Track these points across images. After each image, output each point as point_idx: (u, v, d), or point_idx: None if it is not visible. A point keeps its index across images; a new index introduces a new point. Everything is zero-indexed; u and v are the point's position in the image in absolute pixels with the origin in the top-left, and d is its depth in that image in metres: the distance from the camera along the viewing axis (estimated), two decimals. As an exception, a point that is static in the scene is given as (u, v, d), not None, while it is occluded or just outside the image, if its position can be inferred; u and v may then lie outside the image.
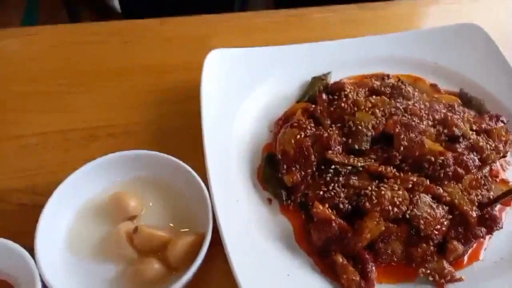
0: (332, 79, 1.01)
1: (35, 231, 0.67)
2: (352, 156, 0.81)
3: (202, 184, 0.76)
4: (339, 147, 0.82)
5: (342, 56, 1.06)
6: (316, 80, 1.00)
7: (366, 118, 0.84)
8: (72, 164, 0.77)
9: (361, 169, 0.79)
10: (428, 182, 0.77)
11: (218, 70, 0.94)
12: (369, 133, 0.83)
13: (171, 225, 0.76)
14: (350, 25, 1.26)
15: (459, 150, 0.82)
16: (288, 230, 0.78)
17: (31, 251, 0.66)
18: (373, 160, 0.81)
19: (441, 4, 1.37)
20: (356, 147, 0.82)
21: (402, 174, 0.78)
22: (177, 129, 0.94)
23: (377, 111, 0.86)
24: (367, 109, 0.87)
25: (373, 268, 0.72)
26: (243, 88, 0.95)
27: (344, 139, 0.83)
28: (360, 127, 0.83)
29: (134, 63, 1.07)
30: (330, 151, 0.80)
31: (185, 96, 0.99)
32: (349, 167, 0.79)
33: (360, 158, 0.81)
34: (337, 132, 0.84)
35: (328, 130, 0.84)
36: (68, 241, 0.73)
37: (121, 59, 1.08)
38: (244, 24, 1.22)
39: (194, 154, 0.82)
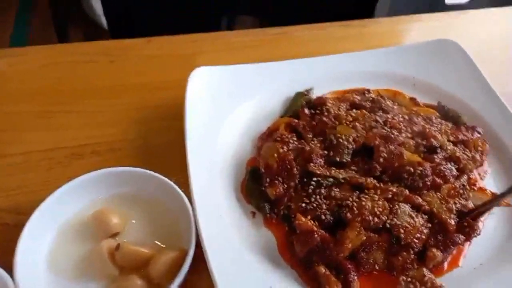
0: (315, 94, 1.04)
1: (14, 252, 0.67)
2: (334, 168, 0.83)
3: (186, 200, 0.76)
4: (321, 160, 0.83)
5: (325, 72, 1.08)
6: (299, 95, 1.02)
7: (346, 132, 0.86)
8: (55, 182, 0.78)
9: (342, 181, 0.80)
10: (407, 192, 0.79)
11: (202, 87, 0.96)
12: (350, 146, 0.85)
13: (155, 241, 0.77)
14: (334, 42, 1.29)
15: (437, 160, 0.84)
16: (271, 243, 0.79)
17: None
18: (354, 172, 0.82)
19: (421, 22, 1.42)
20: (338, 159, 0.84)
21: (382, 185, 0.80)
22: (162, 146, 0.95)
23: (357, 124, 0.88)
24: (347, 122, 0.89)
25: (355, 277, 0.72)
26: (227, 105, 0.97)
27: (325, 152, 0.85)
28: (341, 140, 0.85)
29: (121, 81, 1.09)
30: (312, 164, 0.82)
31: (171, 114, 1.00)
32: (331, 179, 0.81)
33: (342, 170, 0.82)
34: (318, 145, 0.86)
35: (310, 144, 0.85)
36: (50, 261, 0.73)
37: (108, 78, 1.10)
38: (231, 42, 1.24)
39: (179, 170, 0.83)
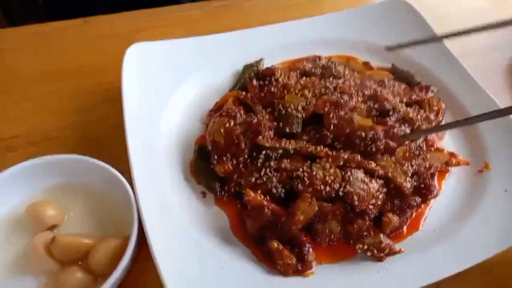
0: (265, 66, 0.99)
1: None
2: (284, 139, 0.79)
3: (126, 184, 0.71)
4: (270, 132, 0.79)
5: (274, 41, 1.04)
6: (247, 67, 0.97)
7: (295, 100, 0.82)
8: (-13, 178, 0.71)
9: (292, 152, 0.77)
10: (359, 157, 0.76)
11: (140, 65, 0.89)
12: (300, 115, 0.81)
13: (96, 231, 0.71)
14: (280, 11, 1.24)
15: (390, 123, 0.81)
16: (224, 222, 0.75)
17: None
18: (305, 142, 0.79)
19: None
20: (288, 130, 0.80)
21: (334, 153, 0.76)
22: (103, 132, 0.89)
23: (306, 92, 0.84)
24: (297, 91, 0.85)
25: (310, 250, 0.69)
26: (170, 83, 0.91)
27: (275, 123, 0.81)
28: (289, 110, 0.81)
29: (56, 67, 1.01)
30: (260, 137, 0.77)
31: (110, 97, 0.93)
32: (280, 151, 0.77)
33: (292, 141, 0.79)
34: (267, 117, 0.81)
35: (258, 116, 0.81)
36: (-17, 259, 0.67)
37: (41, 63, 1.02)
38: (173, 17, 1.18)
39: (121, 156, 0.77)
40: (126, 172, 0.74)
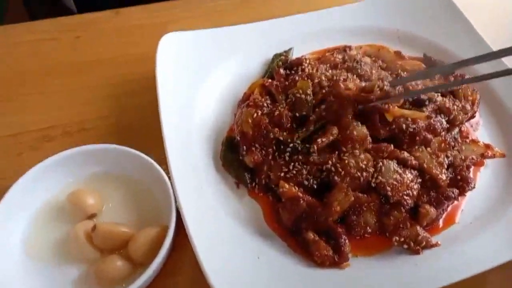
0: (295, 55, 0.98)
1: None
2: (300, 130, 0.78)
3: (164, 175, 0.72)
4: (290, 123, 0.79)
5: (304, 31, 1.03)
6: (277, 56, 0.97)
7: (304, 86, 0.81)
8: (25, 167, 0.73)
9: (305, 146, 0.76)
10: (392, 147, 0.74)
11: (173, 55, 0.90)
12: (309, 98, 0.79)
13: (134, 220, 0.73)
14: (308, 1, 1.22)
15: (426, 113, 0.79)
16: (257, 213, 0.75)
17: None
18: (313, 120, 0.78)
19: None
20: (297, 114, 0.79)
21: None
22: (136, 121, 0.90)
23: (323, 78, 0.83)
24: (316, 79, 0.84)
25: (346, 241, 0.69)
26: (202, 72, 0.91)
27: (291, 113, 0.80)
28: (298, 95, 0.80)
29: (88, 58, 1.02)
30: (276, 129, 0.77)
31: (144, 87, 0.94)
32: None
33: (304, 129, 0.77)
34: (287, 107, 0.81)
35: (279, 107, 0.80)
36: (25, 246, 0.69)
37: (74, 54, 1.03)
38: (203, 8, 1.17)
39: (156, 145, 0.79)
40: (161, 161, 0.75)
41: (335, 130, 0.73)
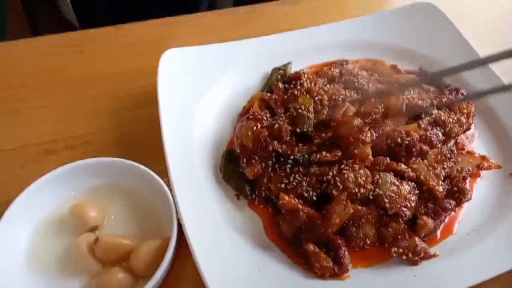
0: (293, 69, 1.00)
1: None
2: (300, 144, 0.79)
3: (165, 187, 0.73)
4: (289, 136, 0.80)
5: (302, 45, 1.05)
6: (275, 70, 0.99)
7: (306, 102, 0.82)
8: (28, 180, 0.74)
9: (300, 158, 0.77)
10: (388, 160, 0.76)
11: (174, 70, 0.91)
12: (311, 115, 0.81)
13: (136, 232, 0.74)
14: (309, 16, 1.25)
15: (422, 126, 0.81)
16: (258, 224, 0.76)
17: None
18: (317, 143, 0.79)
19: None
20: (298, 130, 0.80)
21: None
22: (138, 135, 0.92)
23: (325, 97, 0.84)
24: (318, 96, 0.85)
25: (346, 253, 0.70)
26: (202, 86, 0.93)
27: (290, 128, 0.81)
28: (300, 111, 0.81)
29: (90, 72, 1.04)
30: (276, 142, 0.78)
31: (145, 101, 0.96)
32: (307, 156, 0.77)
33: (305, 146, 0.79)
34: (287, 121, 0.82)
35: (279, 120, 0.81)
36: (28, 259, 0.70)
37: (77, 69, 1.05)
38: (203, 24, 1.20)
39: (157, 158, 0.80)
40: (162, 173, 0.76)
41: (339, 153, 0.75)
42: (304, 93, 0.84)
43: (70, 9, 1.38)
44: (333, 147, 0.77)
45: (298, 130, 0.79)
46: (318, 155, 0.75)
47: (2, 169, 0.85)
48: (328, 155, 0.75)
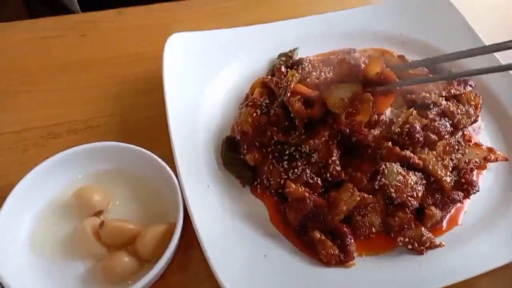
0: (300, 56, 0.99)
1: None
2: (292, 134, 0.78)
3: (171, 172, 0.73)
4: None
5: (309, 33, 1.04)
6: (282, 56, 0.98)
7: (291, 74, 0.82)
8: (32, 164, 0.73)
9: (298, 150, 0.76)
10: (390, 144, 0.75)
11: (179, 55, 0.90)
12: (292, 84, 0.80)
13: (141, 217, 0.73)
14: (315, 3, 1.24)
15: (431, 116, 0.80)
16: (263, 212, 0.76)
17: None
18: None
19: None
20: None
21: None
22: (142, 120, 0.91)
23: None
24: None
25: (352, 241, 0.70)
26: (208, 72, 0.92)
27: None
28: (284, 83, 0.81)
29: (92, 56, 1.03)
30: (274, 128, 0.78)
31: (148, 86, 0.95)
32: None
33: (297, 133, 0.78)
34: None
35: (274, 106, 0.81)
36: (31, 243, 0.69)
37: (79, 52, 1.03)
38: (207, 9, 1.18)
39: (162, 144, 0.79)
40: (167, 159, 0.76)
41: (326, 133, 0.74)
42: (305, 76, 0.84)
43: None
44: (319, 127, 0.76)
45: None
46: (307, 146, 0.74)
47: (4, 153, 0.84)
48: (316, 140, 0.74)
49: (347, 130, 0.73)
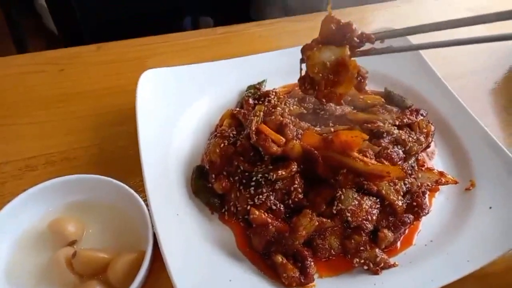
0: (267, 88, 1.06)
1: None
2: (257, 166, 0.83)
3: (141, 202, 0.77)
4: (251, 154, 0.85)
5: (277, 66, 1.10)
6: (250, 88, 1.05)
7: (259, 109, 0.88)
8: (9, 196, 0.77)
9: (265, 177, 0.81)
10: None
11: (152, 90, 0.96)
12: (259, 119, 0.86)
13: (113, 246, 0.77)
14: (287, 37, 1.32)
15: (383, 144, 0.87)
16: (230, 238, 0.81)
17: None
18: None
19: (364, 12, 1.47)
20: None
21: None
22: (117, 151, 0.95)
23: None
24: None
25: (312, 263, 0.75)
26: (180, 105, 0.97)
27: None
28: (252, 117, 0.86)
29: (71, 90, 1.08)
30: (241, 158, 0.84)
31: (124, 118, 1.00)
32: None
33: (263, 165, 0.83)
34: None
35: (241, 138, 0.87)
36: (7, 274, 0.72)
37: (57, 86, 1.09)
38: (181, 43, 1.25)
39: (135, 174, 0.84)
40: (139, 189, 0.81)
41: (294, 167, 0.80)
42: (271, 108, 0.90)
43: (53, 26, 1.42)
44: (286, 162, 0.81)
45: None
46: (274, 175, 0.79)
47: (-18, 186, 0.87)
48: (283, 172, 0.79)
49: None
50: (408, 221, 0.80)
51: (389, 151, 0.86)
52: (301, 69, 0.82)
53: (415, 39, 0.95)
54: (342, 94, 0.75)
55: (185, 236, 0.77)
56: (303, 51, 0.78)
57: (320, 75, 0.73)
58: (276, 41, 1.29)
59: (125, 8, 1.56)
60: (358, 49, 0.75)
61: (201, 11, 1.81)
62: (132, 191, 0.78)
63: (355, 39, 0.72)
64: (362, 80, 0.73)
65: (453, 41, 0.71)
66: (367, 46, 0.77)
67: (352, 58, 0.75)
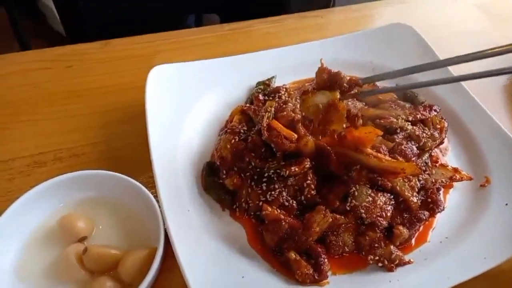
0: (277, 84, 1.04)
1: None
2: (269, 162, 0.82)
3: (152, 198, 0.76)
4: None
5: (286, 62, 1.10)
6: (259, 84, 1.03)
7: (270, 104, 0.87)
8: (17, 192, 0.76)
9: (277, 173, 0.80)
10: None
11: (161, 86, 0.95)
12: (270, 114, 0.84)
13: (124, 242, 0.76)
14: (293, 33, 1.31)
15: (397, 140, 0.86)
16: (242, 234, 0.79)
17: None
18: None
19: (373, 9, 1.46)
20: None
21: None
22: (126, 148, 0.94)
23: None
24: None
25: (326, 260, 0.74)
26: (188, 102, 0.96)
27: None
28: (263, 112, 0.85)
29: (78, 86, 1.07)
30: (252, 154, 0.82)
31: (132, 115, 0.99)
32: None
33: (275, 161, 0.81)
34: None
35: (251, 133, 0.85)
36: (18, 271, 0.71)
37: (65, 83, 1.08)
38: (188, 40, 1.24)
39: (144, 170, 0.84)
40: (149, 185, 0.80)
41: (307, 164, 0.79)
42: (282, 104, 0.88)
43: (58, 23, 1.41)
44: (299, 158, 0.80)
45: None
46: (287, 171, 0.78)
47: (-9, 182, 0.86)
48: (297, 168, 0.78)
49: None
50: (424, 217, 0.79)
51: (403, 147, 0.84)
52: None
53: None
54: (334, 130, 0.80)
55: (196, 232, 0.76)
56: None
57: (314, 115, 0.83)
58: (283, 37, 1.27)
59: (130, 7, 1.55)
60: (349, 93, 0.87)
61: (207, 8, 1.80)
62: (142, 187, 0.77)
63: (345, 84, 0.85)
64: (356, 119, 0.82)
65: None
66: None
67: (345, 101, 0.87)
